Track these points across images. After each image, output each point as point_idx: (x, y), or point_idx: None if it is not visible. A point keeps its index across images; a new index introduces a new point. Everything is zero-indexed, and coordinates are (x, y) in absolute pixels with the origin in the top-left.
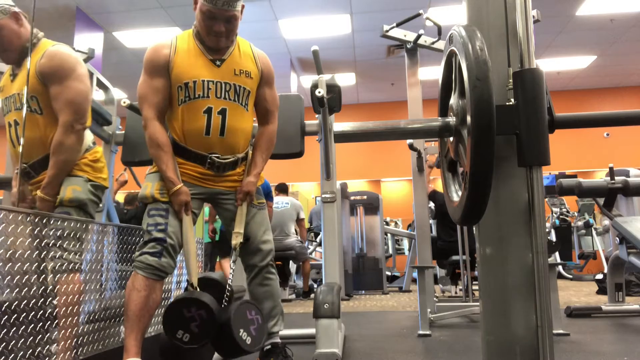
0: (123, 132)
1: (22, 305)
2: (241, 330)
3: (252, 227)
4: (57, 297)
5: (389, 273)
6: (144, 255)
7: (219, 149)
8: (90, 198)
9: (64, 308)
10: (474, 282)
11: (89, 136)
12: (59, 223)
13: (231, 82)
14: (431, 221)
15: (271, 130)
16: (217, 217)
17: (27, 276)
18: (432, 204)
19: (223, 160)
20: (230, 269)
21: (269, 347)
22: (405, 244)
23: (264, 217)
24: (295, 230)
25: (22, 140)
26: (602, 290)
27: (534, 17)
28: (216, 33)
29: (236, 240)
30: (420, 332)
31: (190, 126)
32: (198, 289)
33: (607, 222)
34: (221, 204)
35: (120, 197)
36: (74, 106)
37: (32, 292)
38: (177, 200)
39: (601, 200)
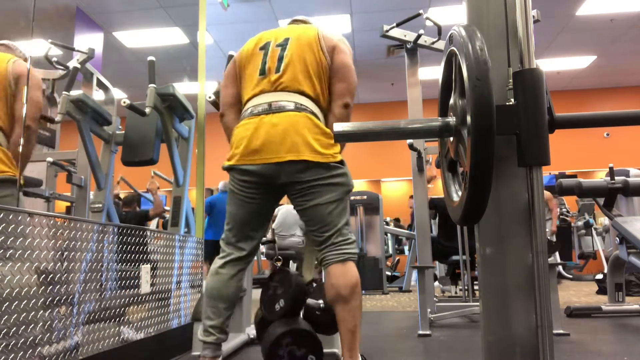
0: (123, 132)
1: (22, 305)
2: None
3: None
4: None
5: (389, 273)
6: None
7: None
8: None
9: None
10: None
11: None
12: None
13: None
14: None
15: None
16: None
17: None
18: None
19: None
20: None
21: None
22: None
23: None
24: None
25: None
26: (602, 290)
27: (534, 17)
28: None
29: None
30: (420, 332)
31: None
32: None
33: (607, 222)
34: None
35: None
36: None
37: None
38: None
39: (601, 200)
